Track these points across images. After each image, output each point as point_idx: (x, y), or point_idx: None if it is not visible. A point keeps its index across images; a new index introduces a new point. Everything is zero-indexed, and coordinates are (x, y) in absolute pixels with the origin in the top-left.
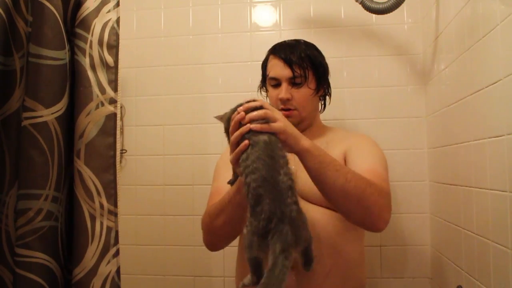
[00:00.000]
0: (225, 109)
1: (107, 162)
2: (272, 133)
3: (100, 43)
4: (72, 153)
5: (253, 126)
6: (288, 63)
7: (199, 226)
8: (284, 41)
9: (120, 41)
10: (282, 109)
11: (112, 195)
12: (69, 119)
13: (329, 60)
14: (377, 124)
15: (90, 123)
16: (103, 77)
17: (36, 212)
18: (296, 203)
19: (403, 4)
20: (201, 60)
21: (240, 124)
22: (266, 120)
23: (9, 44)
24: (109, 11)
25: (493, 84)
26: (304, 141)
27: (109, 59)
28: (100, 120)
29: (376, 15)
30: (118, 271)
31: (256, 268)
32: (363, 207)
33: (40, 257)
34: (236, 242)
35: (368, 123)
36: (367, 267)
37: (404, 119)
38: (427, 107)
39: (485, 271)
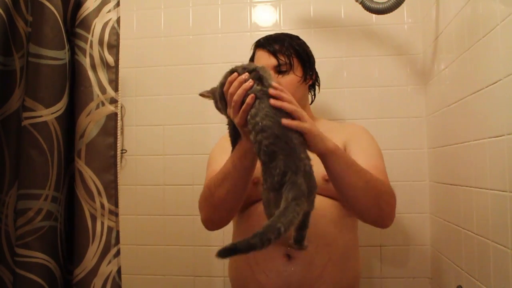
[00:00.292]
0: None
1: (107, 162)
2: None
3: (101, 43)
4: (71, 153)
5: (285, 121)
6: (273, 52)
7: (199, 226)
8: (268, 35)
9: (120, 41)
10: None
11: (112, 195)
12: (69, 119)
13: (329, 60)
14: (377, 124)
15: (90, 123)
16: (103, 77)
17: (36, 212)
18: (308, 158)
19: (403, 4)
20: (201, 60)
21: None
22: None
23: (9, 44)
24: (109, 11)
25: (493, 84)
26: (329, 142)
27: (110, 59)
28: (100, 120)
29: (376, 15)
30: (119, 271)
31: None
32: (378, 208)
33: (40, 257)
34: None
35: (368, 123)
36: (367, 267)
37: (404, 119)
38: (427, 107)
39: (485, 271)
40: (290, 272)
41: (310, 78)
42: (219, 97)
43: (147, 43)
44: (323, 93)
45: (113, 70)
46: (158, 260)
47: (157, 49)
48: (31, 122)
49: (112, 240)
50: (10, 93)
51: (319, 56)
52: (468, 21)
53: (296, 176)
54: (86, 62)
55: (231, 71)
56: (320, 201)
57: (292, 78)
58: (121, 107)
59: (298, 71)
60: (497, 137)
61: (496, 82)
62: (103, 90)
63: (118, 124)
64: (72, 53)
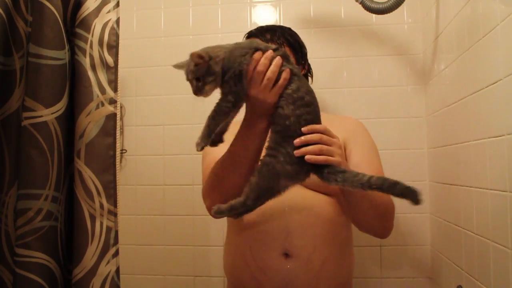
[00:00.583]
0: None
1: (107, 162)
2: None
3: (100, 43)
4: (71, 153)
5: (310, 157)
6: (264, 41)
7: (199, 226)
8: (260, 26)
9: (120, 41)
10: None
11: (111, 195)
12: (69, 119)
13: (329, 60)
14: (377, 124)
15: (90, 123)
16: (103, 77)
17: (36, 212)
18: None
19: (403, 4)
20: None
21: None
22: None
23: (9, 44)
24: (109, 11)
25: (493, 84)
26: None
27: (109, 59)
28: (100, 120)
29: (376, 15)
30: (117, 271)
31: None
32: (382, 224)
33: (40, 257)
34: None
35: (368, 123)
36: (367, 267)
37: (404, 119)
38: (427, 107)
39: (485, 271)
40: (288, 270)
41: (303, 68)
42: (188, 75)
43: (147, 43)
44: (323, 93)
45: (112, 71)
46: (158, 260)
47: (157, 49)
48: (31, 122)
49: (111, 240)
50: (10, 93)
51: (319, 56)
52: (468, 21)
53: None
54: (86, 62)
55: (255, 49)
56: (317, 199)
57: None
58: (121, 107)
59: None
60: (497, 137)
61: (496, 82)
62: (102, 91)
63: (118, 124)
64: (72, 53)
